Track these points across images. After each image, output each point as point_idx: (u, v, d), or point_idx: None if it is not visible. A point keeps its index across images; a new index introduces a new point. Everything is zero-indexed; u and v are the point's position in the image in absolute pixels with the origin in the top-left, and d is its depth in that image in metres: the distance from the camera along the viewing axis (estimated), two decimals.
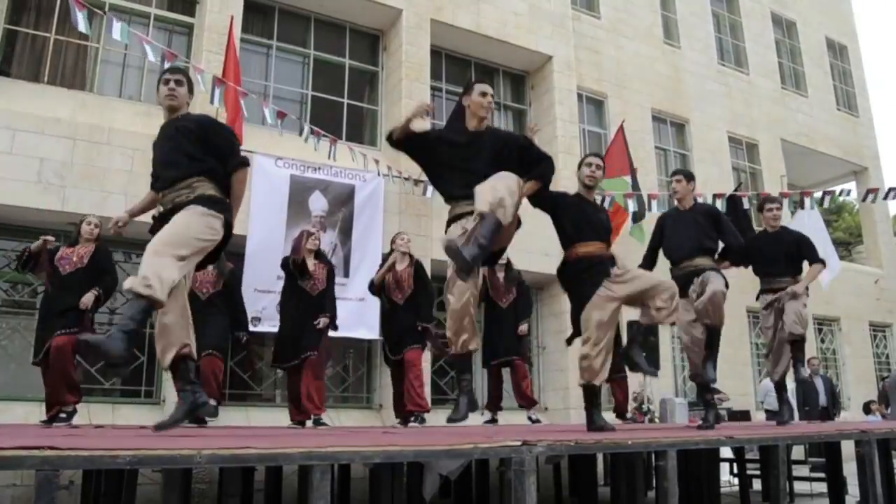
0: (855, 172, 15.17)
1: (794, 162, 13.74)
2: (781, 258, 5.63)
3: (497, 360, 6.71)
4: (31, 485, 3.45)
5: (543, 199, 4.22)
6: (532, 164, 3.84)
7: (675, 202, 5.22)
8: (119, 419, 6.42)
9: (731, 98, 12.92)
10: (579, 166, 4.45)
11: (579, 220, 4.25)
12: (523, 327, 6.80)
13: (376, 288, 6.31)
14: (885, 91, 45.73)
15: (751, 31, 13.85)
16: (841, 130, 14.79)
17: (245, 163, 3.51)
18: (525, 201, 3.94)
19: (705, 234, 4.94)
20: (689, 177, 5.14)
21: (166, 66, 6.25)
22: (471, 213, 3.46)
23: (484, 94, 3.84)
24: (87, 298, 5.19)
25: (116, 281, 5.55)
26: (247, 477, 5.18)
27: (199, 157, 3.31)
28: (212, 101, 6.64)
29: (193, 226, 3.17)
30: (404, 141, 3.81)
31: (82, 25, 5.70)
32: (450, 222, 3.74)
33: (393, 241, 6.49)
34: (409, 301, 6.15)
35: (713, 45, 13.09)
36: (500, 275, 6.78)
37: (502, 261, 6.44)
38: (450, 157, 3.77)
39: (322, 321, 5.87)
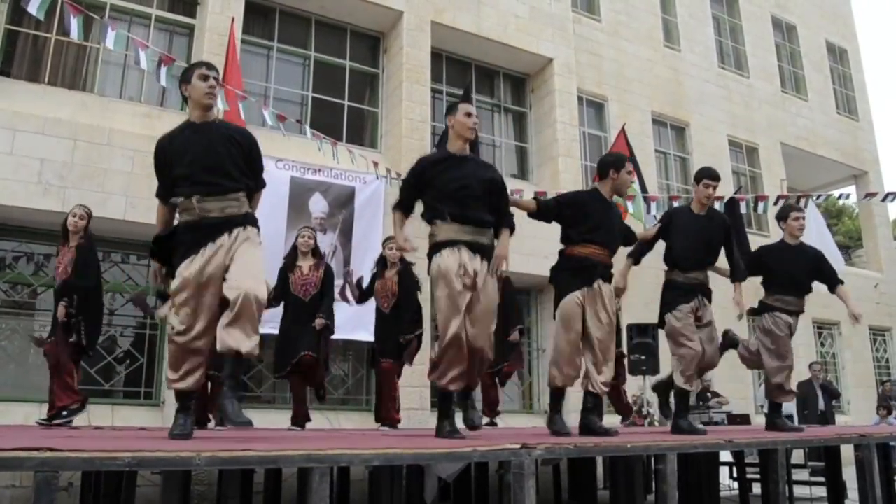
0: (855, 176, 15.18)
1: (793, 165, 13.75)
2: (805, 276, 5.26)
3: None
4: (30, 486, 3.44)
5: (545, 213, 4.29)
6: (502, 210, 3.88)
7: (697, 206, 4.86)
8: (118, 420, 6.41)
9: (731, 101, 12.93)
10: (619, 170, 4.29)
11: (593, 221, 4.21)
12: (514, 335, 6.61)
13: (363, 297, 6.17)
14: (886, 95, 45.77)
15: (751, 35, 13.87)
16: (841, 134, 14.80)
17: (265, 184, 3.56)
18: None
19: (714, 246, 4.82)
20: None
21: (163, 70, 6.18)
22: (467, 242, 3.63)
23: (469, 115, 3.79)
24: (60, 313, 5.12)
25: (90, 284, 5.32)
26: (246, 479, 5.18)
27: (245, 173, 3.30)
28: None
29: (259, 257, 3.24)
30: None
31: (75, 32, 5.65)
32: (443, 245, 3.65)
33: (382, 247, 6.29)
34: (393, 309, 5.94)
35: (713, 49, 13.11)
36: None
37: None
38: (445, 185, 3.69)
39: (318, 322, 5.59)
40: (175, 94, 7.83)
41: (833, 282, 5.30)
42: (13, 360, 6.70)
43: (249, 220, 3.25)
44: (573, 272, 4.16)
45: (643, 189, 9.32)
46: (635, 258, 4.91)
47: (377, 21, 9.18)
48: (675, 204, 8.75)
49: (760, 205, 9.25)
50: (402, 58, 8.84)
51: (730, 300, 4.89)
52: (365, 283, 6.18)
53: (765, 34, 14.16)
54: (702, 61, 12.74)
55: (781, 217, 5.37)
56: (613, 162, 4.36)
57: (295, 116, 8.04)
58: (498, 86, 10.39)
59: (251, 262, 3.13)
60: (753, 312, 5.30)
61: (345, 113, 8.94)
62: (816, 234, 9.75)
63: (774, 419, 5.13)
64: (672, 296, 4.72)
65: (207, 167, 3.17)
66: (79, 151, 6.71)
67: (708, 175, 4.83)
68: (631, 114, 11.13)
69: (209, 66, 3.36)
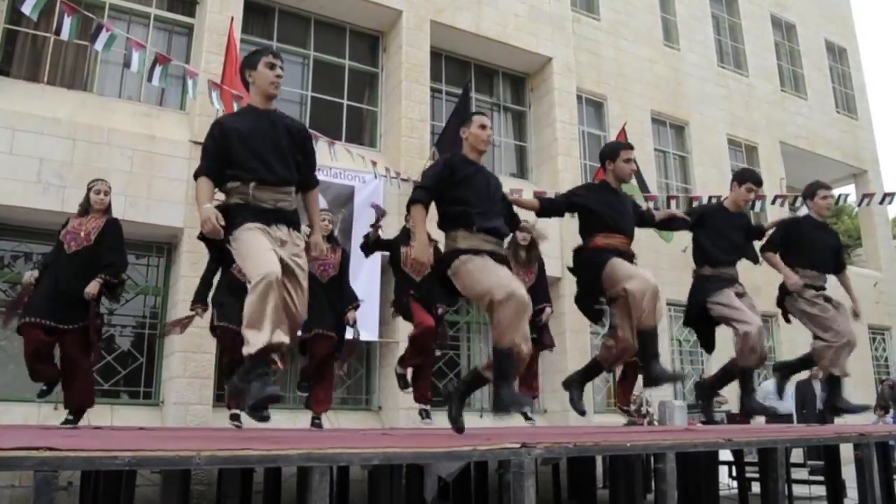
0: (854, 175, 15.18)
1: (793, 164, 13.75)
2: (830, 254, 5.24)
3: None
4: (29, 486, 3.44)
5: (551, 209, 4.30)
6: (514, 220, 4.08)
7: (733, 206, 4.99)
8: (118, 420, 6.41)
9: (731, 100, 12.93)
10: (615, 159, 4.30)
11: (607, 210, 4.21)
12: (548, 311, 6.15)
13: (371, 245, 5.95)
14: (885, 94, 45.79)
15: (750, 34, 13.87)
16: (840, 133, 14.81)
17: (318, 182, 3.55)
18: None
19: (743, 243, 4.96)
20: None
21: (157, 70, 6.12)
22: (490, 252, 3.55)
23: (483, 127, 3.78)
24: (92, 288, 4.73)
25: (126, 262, 5.13)
26: (246, 478, 5.18)
27: (299, 167, 3.27)
28: (211, 102, 6.59)
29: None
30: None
31: (66, 32, 5.59)
32: (465, 251, 3.55)
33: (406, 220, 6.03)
34: (425, 279, 5.79)
35: (713, 48, 13.10)
36: (522, 253, 6.11)
37: (523, 240, 6.07)
38: (468, 188, 3.66)
39: (351, 315, 5.56)
40: (174, 94, 7.83)
41: (842, 265, 5.33)
42: (12, 360, 6.69)
43: (298, 222, 3.23)
44: (602, 264, 4.11)
45: (643, 188, 9.30)
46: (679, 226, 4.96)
47: (376, 20, 9.17)
48: (673, 203, 8.75)
49: (758, 204, 9.21)
50: (402, 57, 8.84)
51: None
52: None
53: (764, 33, 14.16)
54: (701, 60, 12.74)
55: (809, 195, 5.32)
56: (608, 153, 4.39)
57: (294, 116, 8.02)
58: (497, 85, 10.39)
59: (304, 295, 3.13)
60: (780, 303, 5.25)
61: (344, 112, 8.94)
62: None
63: (835, 401, 5.00)
64: (705, 286, 4.75)
65: (268, 155, 3.12)
66: (78, 151, 6.70)
67: (752, 179, 4.95)
68: (630, 113, 11.13)
69: (276, 55, 3.29)
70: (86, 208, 5.07)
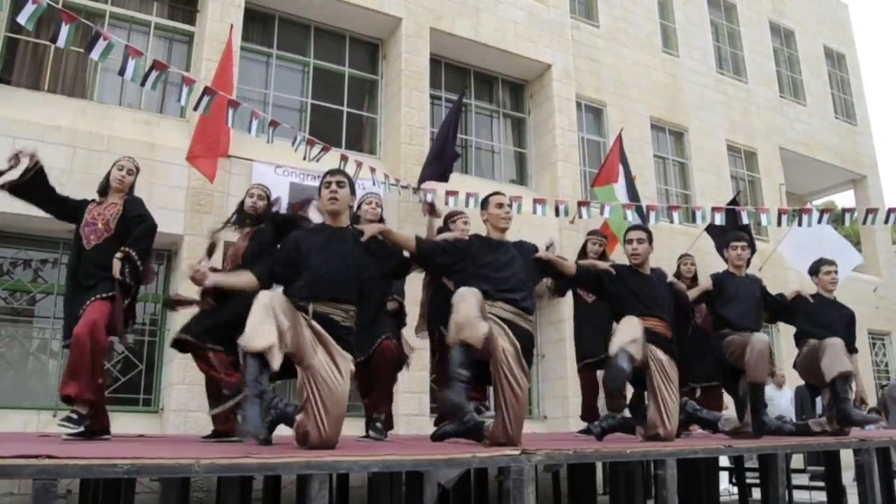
0: (853, 181, 15.21)
1: (792, 170, 13.77)
2: (843, 330, 5.26)
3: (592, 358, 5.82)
4: (28, 493, 3.43)
5: (581, 281, 4.32)
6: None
7: (734, 268, 5.15)
8: (117, 427, 6.36)
9: (730, 107, 12.96)
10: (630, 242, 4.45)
11: (632, 293, 4.25)
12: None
13: None
14: (884, 100, 45.88)
15: (749, 40, 13.91)
16: (839, 139, 14.84)
17: (410, 262, 3.61)
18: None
19: (760, 308, 5.09)
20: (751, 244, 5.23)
21: (153, 75, 6.08)
22: (509, 321, 3.52)
23: (500, 206, 3.86)
24: (115, 267, 4.04)
25: (152, 227, 4.44)
26: (245, 486, 5.17)
27: (365, 280, 3.30)
28: (195, 108, 6.50)
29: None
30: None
31: (63, 40, 5.56)
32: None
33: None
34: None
35: (712, 54, 13.14)
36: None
37: (599, 246, 6.02)
38: (486, 263, 3.69)
39: (390, 305, 4.98)
40: (174, 102, 7.83)
41: (852, 346, 5.33)
42: (12, 367, 6.69)
43: (350, 343, 3.18)
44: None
45: (636, 197, 9.05)
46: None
47: (376, 28, 9.20)
48: (675, 214, 8.68)
49: (763, 217, 9.00)
50: (401, 64, 8.87)
51: None
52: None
53: (763, 40, 14.21)
54: (700, 67, 12.78)
55: (813, 272, 5.55)
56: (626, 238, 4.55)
57: (294, 123, 8.04)
58: (497, 91, 10.41)
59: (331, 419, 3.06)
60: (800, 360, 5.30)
61: (343, 119, 8.96)
62: (820, 233, 9.59)
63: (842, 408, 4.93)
64: (723, 338, 4.83)
65: (330, 280, 3.16)
66: (78, 158, 6.71)
67: (735, 237, 5.19)
68: (629, 119, 11.16)
69: (332, 172, 3.37)
70: (104, 189, 4.44)
